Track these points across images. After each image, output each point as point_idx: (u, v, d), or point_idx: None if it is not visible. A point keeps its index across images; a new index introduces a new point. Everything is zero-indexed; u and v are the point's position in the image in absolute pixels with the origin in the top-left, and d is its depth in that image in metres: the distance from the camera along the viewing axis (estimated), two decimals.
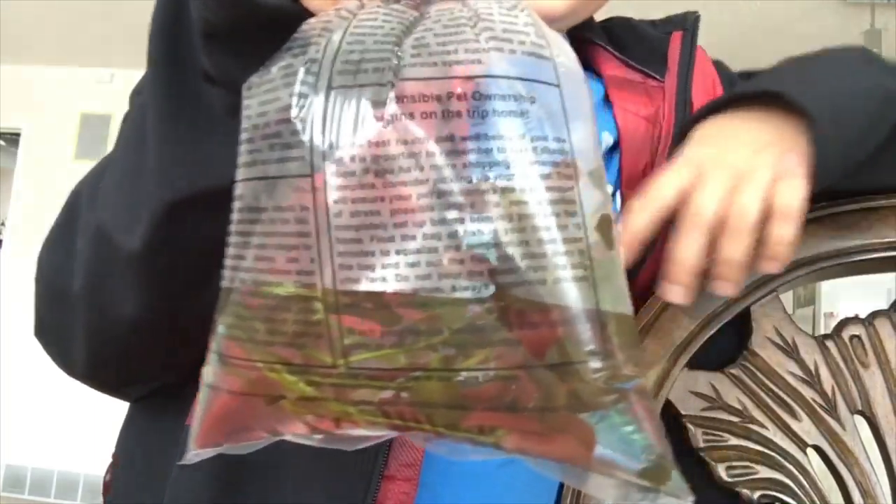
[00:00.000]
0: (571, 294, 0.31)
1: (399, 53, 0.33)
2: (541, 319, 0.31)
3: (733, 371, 0.60)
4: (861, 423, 0.60)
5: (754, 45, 3.69)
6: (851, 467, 0.58)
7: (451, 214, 0.31)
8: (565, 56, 0.35)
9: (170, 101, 0.43)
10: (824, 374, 0.60)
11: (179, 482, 0.50)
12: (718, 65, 0.72)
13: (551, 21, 0.64)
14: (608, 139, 0.63)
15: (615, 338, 0.32)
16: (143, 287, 0.46)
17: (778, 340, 0.61)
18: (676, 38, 0.69)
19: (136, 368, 0.54)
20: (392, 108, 0.31)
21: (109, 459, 0.68)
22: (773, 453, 0.58)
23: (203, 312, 0.38)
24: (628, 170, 0.62)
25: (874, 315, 0.62)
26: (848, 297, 4.65)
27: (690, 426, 0.59)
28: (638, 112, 0.64)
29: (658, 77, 0.67)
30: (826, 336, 0.61)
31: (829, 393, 0.59)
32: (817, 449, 0.59)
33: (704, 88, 0.68)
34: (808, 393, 0.59)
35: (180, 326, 0.47)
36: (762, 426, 0.59)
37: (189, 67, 0.41)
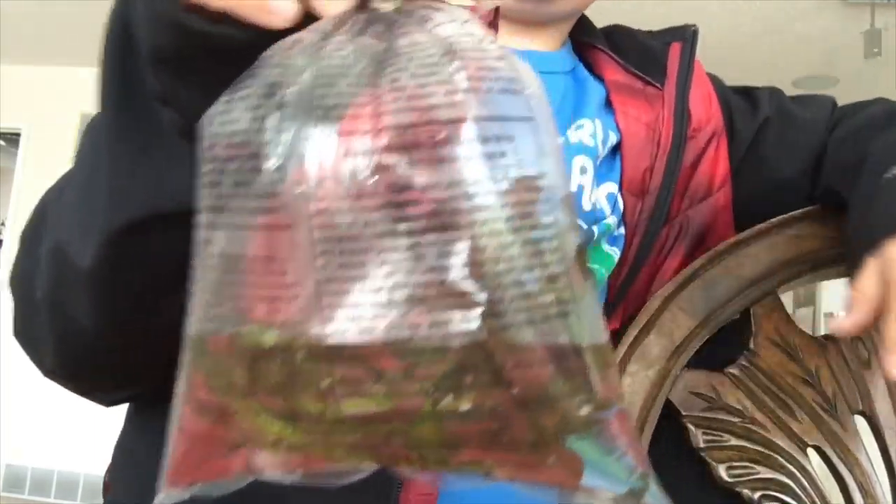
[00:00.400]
0: (556, 331, 0.31)
1: (377, 97, 0.32)
2: (528, 358, 0.31)
3: (734, 371, 0.60)
4: (861, 423, 0.60)
5: (755, 44, 3.69)
6: (852, 467, 0.58)
7: (438, 261, 0.30)
8: (535, 85, 0.35)
9: (122, 121, 0.41)
10: (825, 374, 0.60)
11: None
12: (713, 78, 0.74)
13: (552, 17, 0.63)
14: (613, 138, 0.65)
15: (595, 367, 0.33)
16: (97, 303, 0.45)
17: (778, 341, 0.61)
18: (676, 49, 0.71)
19: (103, 376, 0.53)
20: (373, 157, 0.31)
21: (109, 459, 0.67)
22: (773, 453, 0.58)
23: (162, 330, 0.38)
24: (629, 173, 0.63)
25: None
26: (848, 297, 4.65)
27: (691, 426, 0.59)
28: (639, 118, 0.66)
29: (657, 85, 0.69)
30: (827, 336, 0.61)
31: (830, 393, 0.59)
32: (818, 449, 0.59)
33: (701, 99, 0.69)
34: (809, 393, 0.59)
35: (140, 342, 0.47)
36: (762, 426, 0.59)
37: (140, 88, 0.40)
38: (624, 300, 0.62)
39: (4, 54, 4.52)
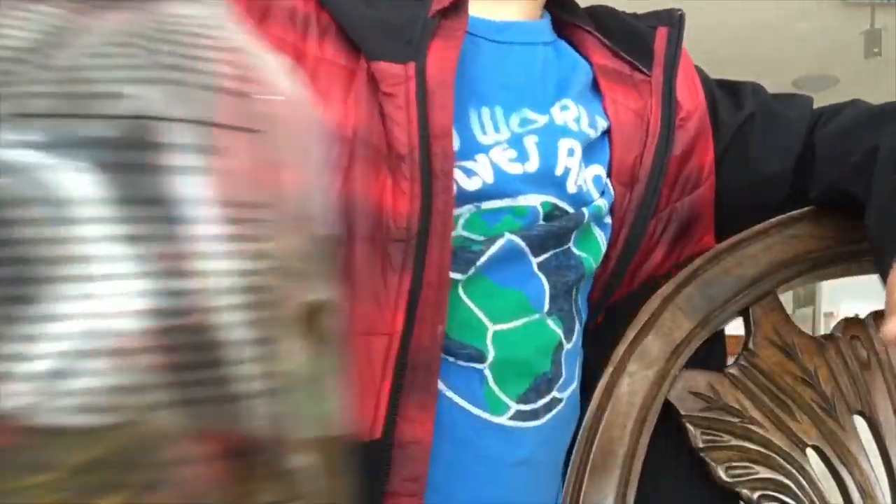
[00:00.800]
0: (256, 413, 0.23)
1: (33, 76, 0.23)
2: (211, 449, 0.23)
3: (733, 371, 0.60)
4: (860, 423, 0.60)
5: (755, 44, 3.69)
6: (851, 467, 0.58)
7: (97, 307, 0.22)
8: (285, 89, 0.27)
9: None
10: (824, 374, 0.60)
11: None
12: (697, 68, 0.73)
13: None
14: (602, 124, 0.63)
15: (315, 465, 0.25)
16: None
17: (777, 341, 0.61)
18: (662, 34, 0.68)
19: None
20: (26, 153, 0.22)
21: None
22: (772, 453, 0.58)
23: None
24: (618, 162, 0.62)
25: (873, 315, 0.62)
26: (848, 297, 4.65)
27: (690, 426, 0.59)
28: (627, 105, 0.64)
29: (645, 71, 0.66)
30: (826, 336, 0.61)
31: (829, 393, 0.59)
32: (817, 449, 0.59)
33: (688, 87, 0.68)
34: (808, 393, 0.59)
35: None
36: (762, 426, 0.59)
37: None
38: (611, 294, 0.62)
39: None
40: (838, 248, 0.61)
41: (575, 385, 0.61)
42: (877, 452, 0.59)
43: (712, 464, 0.58)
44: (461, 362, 0.56)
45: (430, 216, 0.52)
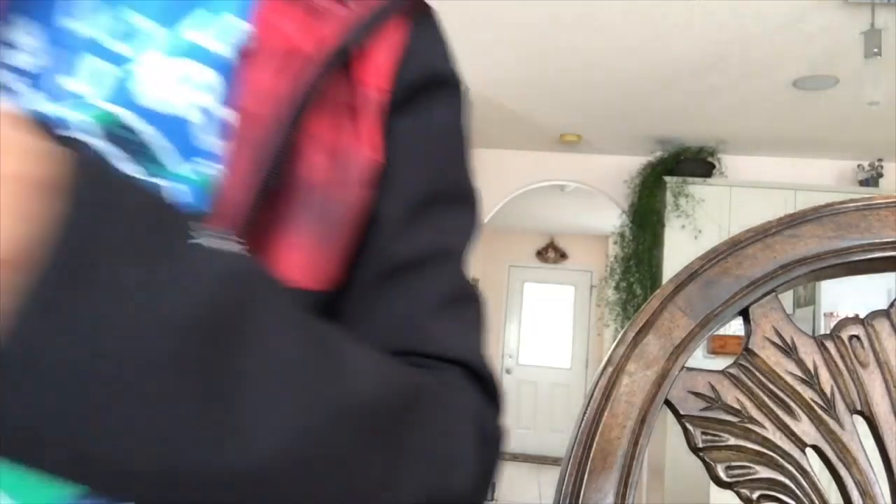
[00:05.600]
0: None
1: None
2: None
3: (732, 371, 0.60)
4: (860, 423, 0.60)
5: (755, 44, 3.69)
6: (850, 467, 0.58)
7: None
8: None
9: None
10: (823, 374, 0.60)
11: None
12: (419, 54, 0.54)
13: None
14: (240, 30, 0.47)
15: None
16: None
17: (777, 340, 0.61)
18: None
19: None
20: None
21: None
22: (771, 453, 0.58)
23: None
24: (252, 87, 0.46)
25: (873, 315, 0.62)
26: (848, 297, 4.66)
27: (689, 426, 0.59)
28: (289, 35, 0.48)
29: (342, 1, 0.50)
30: (825, 336, 0.61)
31: (829, 393, 0.59)
32: (816, 449, 0.59)
33: (384, 56, 0.51)
34: (808, 393, 0.60)
35: None
36: (761, 426, 0.59)
37: None
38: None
39: None
40: (838, 248, 0.61)
41: None
42: (876, 452, 0.59)
43: (711, 463, 0.58)
44: None
45: None
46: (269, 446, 0.32)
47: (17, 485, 0.39)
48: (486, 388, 0.50)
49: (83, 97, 0.45)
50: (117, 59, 0.46)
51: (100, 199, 0.29)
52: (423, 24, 0.55)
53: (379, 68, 0.51)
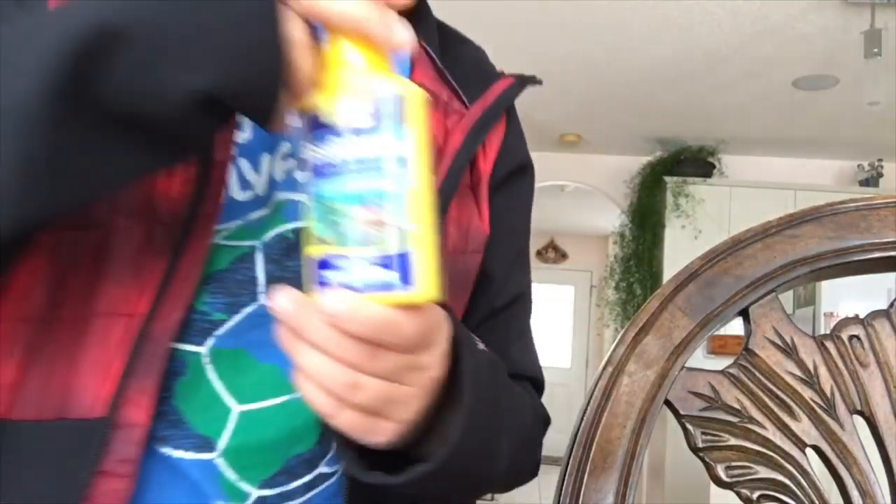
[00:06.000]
0: None
1: None
2: None
3: (732, 371, 0.60)
4: (860, 423, 0.60)
5: (755, 44, 3.69)
6: (850, 467, 0.58)
7: None
8: None
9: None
10: (823, 374, 0.60)
11: None
12: (515, 138, 0.69)
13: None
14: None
15: None
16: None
17: (777, 340, 0.61)
18: (507, 82, 0.66)
19: None
20: None
21: None
22: (772, 453, 0.58)
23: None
24: None
25: (873, 315, 0.62)
26: (848, 297, 4.66)
27: (690, 426, 0.59)
28: (435, 136, 0.61)
29: (465, 102, 0.64)
30: (825, 336, 0.61)
31: (829, 393, 0.59)
32: (816, 449, 0.59)
33: (494, 147, 0.66)
34: (808, 393, 0.60)
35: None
36: (761, 426, 0.59)
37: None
38: None
39: None
40: (838, 248, 0.61)
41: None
42: (876, 452, 0.59)
43: (711, 463, 0.58)
44: (188, 455, 0.50)
45: (202, 204, 0.48)
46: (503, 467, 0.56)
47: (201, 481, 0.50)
48: (539, 390, 0.70)
49: None
50: None
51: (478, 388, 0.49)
52: (512, 116, 0.70)
53: (488, 158, 0.65)
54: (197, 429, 0.50)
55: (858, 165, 5.30)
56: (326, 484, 0.56)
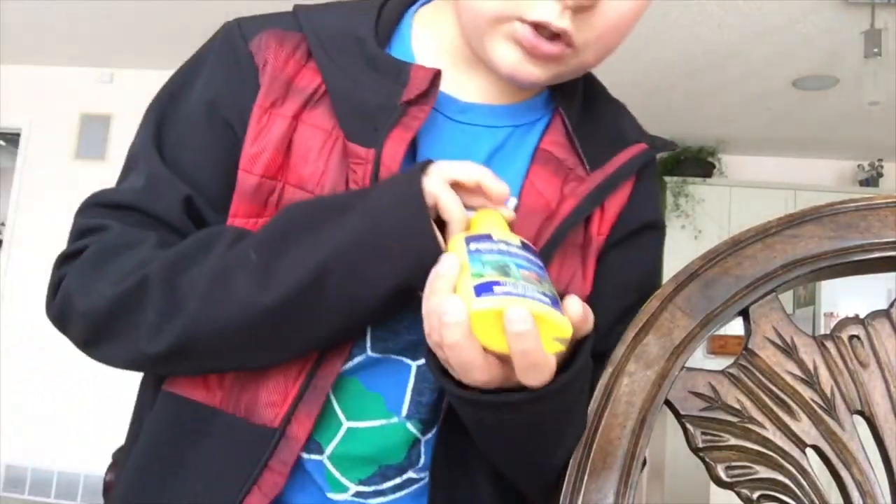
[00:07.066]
0: None
1: None
2: None
3: (732, 371, 0.60)
4: (860, 422, 0.60)
5: (755, 44, 3.69)
6: (850, 467, 0.58)
7: None
8: None
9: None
10: (823, 374, 0.60)
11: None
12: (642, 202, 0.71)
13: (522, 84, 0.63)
14: (513, 201, 0.65)
15: None
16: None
17: (777, 340, 0.61)
18: (638, 148, 0.68)
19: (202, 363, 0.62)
20: None
21: (110, 459, 0.68)
22: (772, 453, 0.58)
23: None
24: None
25: (873, 315, 0.62)
26: (848, 297, 4.65)
27: (690, 426, 0.59)
28: (544, 192, 0.65)
29: (587, 168, 0.67)
30: (825, 336, 0.61)
31: (829, 393, 0.59)
32: (816, 449, 0.59)
33: (616, 206, 0.68)
34: (808, 393, 0.60)
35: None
36: (761, 426, 0.59)
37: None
38: None
39: (4, 54, 4.52)
40: (838, 248, 0.61)
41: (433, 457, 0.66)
42: (876, 452, 0.59)
43: (712, 463, 0.58)
44: (306, 455, 0.64)
45: None
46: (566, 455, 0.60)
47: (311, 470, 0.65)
48: None
49: None
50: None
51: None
52: (646, 176, 0.71)
53: (605, 220, 0.67)
54: (314, 436, 0.63)
55: (858, 165, 5.29)
56: (414, 487, 0.67)
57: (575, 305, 0.52)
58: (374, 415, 0.64)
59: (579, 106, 0.70)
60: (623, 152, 0.67)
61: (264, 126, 0.63)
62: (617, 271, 0.68)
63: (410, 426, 0.65)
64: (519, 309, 0.47)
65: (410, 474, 0.66)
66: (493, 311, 0.47)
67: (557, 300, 0.50)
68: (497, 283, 0.48)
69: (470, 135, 0.67)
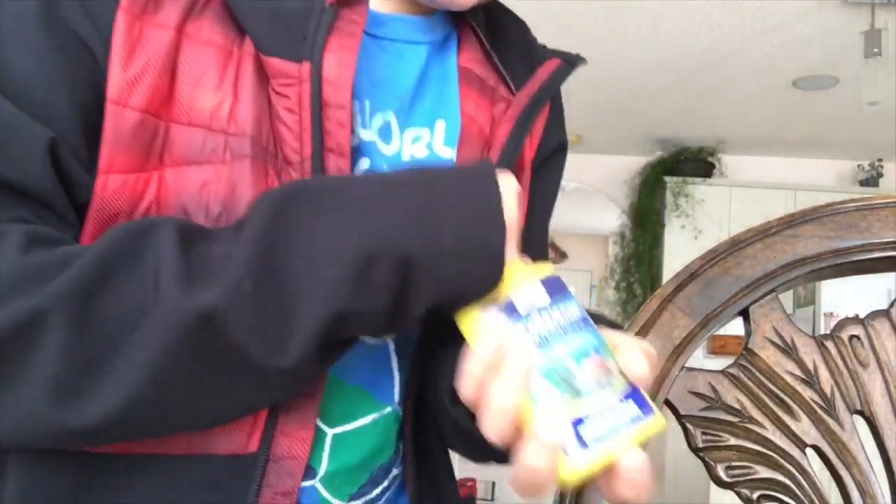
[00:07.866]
0: None
1: None
2: None
3: (732, 371, 0.60)
4: (860, 422, 0.60)
5: (755, 44, 3.69)
6: (850, 467, 0.58)
7: None
8: None
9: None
10: (823, 373, 0.60)
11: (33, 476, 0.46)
12: (558, 118, 0.69)
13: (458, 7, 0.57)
14: (441, 125, 0.59)
15: None
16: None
17: (777, 340, 0.61)
18: (553, 64, 0.62)
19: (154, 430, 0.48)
20: None
21: None
22: (772, 453, 0.58)
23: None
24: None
25: (873, 315, 0.62)
26: (848, 297, 4.66)
27: (690, 426, 0.59)
28: (476, 117, 0.60)
29: (512, 88, 0.61)
30: (825, 336, 0.61)
31: (828, 393, 0.59)
32: (816, 449, 0.59)
33: (540, 128, 0.65)
34: (808, 393, 0.60)
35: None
36: (761, 426, 0.59)
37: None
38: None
39: None
40: (838, 248, 0.61)
41: (409, 446, 0.60)
42: (876, 452, 0.59)
43: (712, 463, 0.58)
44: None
45: None
46: None
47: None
48: None
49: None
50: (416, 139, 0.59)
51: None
52: (556, 99, 0.69)
53: (533, 144, 0.65)
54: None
55: (858, 165, 5.30)
56: (396, 483, 0.60)
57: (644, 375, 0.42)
58: (363, 411, 0.55)
59: (483, 19, 0.64)
60: (541, 69, 0.62)
61: (137, 39, 0.47)
62: (541, 193, 0.66)
63: (399, 408, 0.58)
64: (636, 457, 0.39)
65: (394, 471, 0.60)
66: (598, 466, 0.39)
67: (636, 388, 0.42)
68: (579, 422, 0.39)
69: (395, 54, 0.58)
